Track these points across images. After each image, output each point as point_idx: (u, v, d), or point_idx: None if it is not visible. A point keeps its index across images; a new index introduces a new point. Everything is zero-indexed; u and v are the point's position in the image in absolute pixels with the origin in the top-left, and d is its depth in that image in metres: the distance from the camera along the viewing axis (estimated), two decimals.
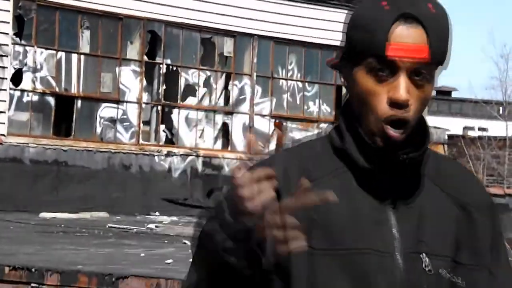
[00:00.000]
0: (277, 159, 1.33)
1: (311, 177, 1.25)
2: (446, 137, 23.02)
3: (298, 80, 14.22)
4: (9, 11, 11.24)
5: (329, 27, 13.71)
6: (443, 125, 31.43)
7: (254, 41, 13.60)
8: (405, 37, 1.25)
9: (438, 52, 1.27)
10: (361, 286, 1.24)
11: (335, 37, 13.91)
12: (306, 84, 14.29)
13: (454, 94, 43.53)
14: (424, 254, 1.28)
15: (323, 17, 13.71)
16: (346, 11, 14.00)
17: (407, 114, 1.26)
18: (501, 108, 31.08)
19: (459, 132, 33.57)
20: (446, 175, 1.36)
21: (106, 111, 12.43)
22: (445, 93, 41.46)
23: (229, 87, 13.84)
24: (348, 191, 1.30)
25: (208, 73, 13.67)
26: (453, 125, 34.53)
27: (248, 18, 13.27)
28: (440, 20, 1.28)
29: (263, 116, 13.93)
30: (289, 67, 14.13)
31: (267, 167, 1.17)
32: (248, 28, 13.38)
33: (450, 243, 1.31)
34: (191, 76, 13.49)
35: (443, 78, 63.29)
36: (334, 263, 1.25)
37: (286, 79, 14.12)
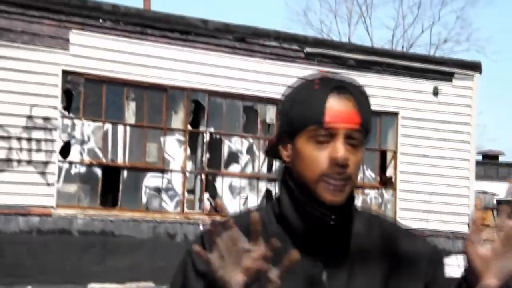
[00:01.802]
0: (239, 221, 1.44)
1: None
2: (495, 202, 22.87)
3: None
4: (58, 85, 11.84)
5: (371, 93, 14.05)
6: (492, 190, 31.18)
7: None
8: (340, 106, 1.46)
9: (366, 119, 1.49)
10: None
11: (378, 103, 14.24)
12: None
13: (501, 159, 43.24)
14: None
15: (364, 83, 14.06)
16: (401, 77, 14.36)
17: (347, 172, 1.45)
18: None
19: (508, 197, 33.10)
20: (375, 231, 1.51)
21: (151, 180, 12.83)
22: (492, 157, 41.21)
23: None
24: (283, 259, 1.39)
25: (251, 140, 14.03)
26: (502, 190, 34.19)
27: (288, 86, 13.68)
28: (364, 93, 1.53)
29: None
30: None
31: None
32: None
33: None
34: (234, 143, 13.85)
35: (490, 143, 62.76)
36: None
37: None
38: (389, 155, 14.65)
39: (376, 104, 14.17)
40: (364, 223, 1.53)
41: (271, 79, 13.57)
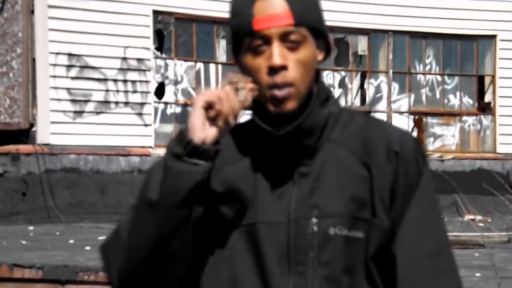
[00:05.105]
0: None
1: (228, 160, 1.52)
2: None
3: (437, 74, 14.64)
4: (149, 26, 12.49)
5: (467, 16, 14.11)
6: None
7: (388, 37, 14.19)
8: (267, 9, 1.45)
9: (303, 16, 1.48)
10: (255, 254, 1.49)
11: (474, 26, 14.31)
12: (446, 77, 14.67)
13: None
14: (313, 219, 1.47)
15: (459, 7, 14.11)
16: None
17: (287, 77, 1.45)
18: None
19: None
20: (353, 136, 1.52)
21: (245, 116, 13.43)
22: None
23: (365, 86, 14.46)
24: (255, 173, 1.51)
25: (343, 73, 14.37)
26: None
27: (381, 14, 13.87)
28: None
29: (402, 113, 14.46)
30: (427, 61, 14.59)
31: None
32: (382, 24, 13.96)
33: (348, 201, 1.48)
34: (325, 77, 14.19)
35: None
36: (239, 235, 1.51)
37: (424, 74, 14.58)
38: (487, 80, 14.76)
39: (472, 27, 14.27)
40: (344, 129, 1.54)
41: (362, 8, 13.80)
